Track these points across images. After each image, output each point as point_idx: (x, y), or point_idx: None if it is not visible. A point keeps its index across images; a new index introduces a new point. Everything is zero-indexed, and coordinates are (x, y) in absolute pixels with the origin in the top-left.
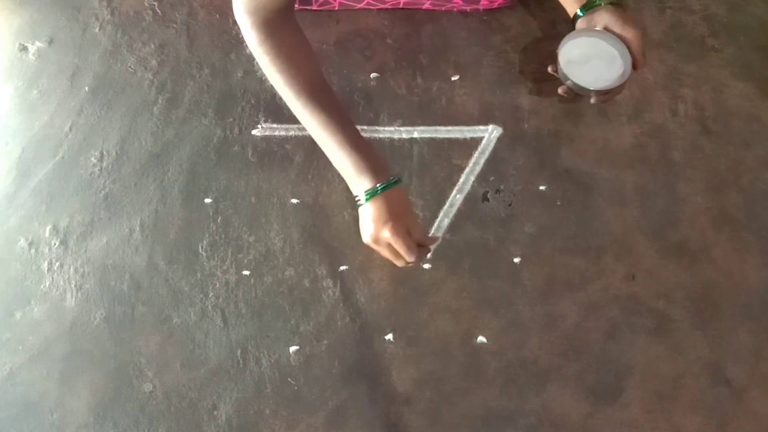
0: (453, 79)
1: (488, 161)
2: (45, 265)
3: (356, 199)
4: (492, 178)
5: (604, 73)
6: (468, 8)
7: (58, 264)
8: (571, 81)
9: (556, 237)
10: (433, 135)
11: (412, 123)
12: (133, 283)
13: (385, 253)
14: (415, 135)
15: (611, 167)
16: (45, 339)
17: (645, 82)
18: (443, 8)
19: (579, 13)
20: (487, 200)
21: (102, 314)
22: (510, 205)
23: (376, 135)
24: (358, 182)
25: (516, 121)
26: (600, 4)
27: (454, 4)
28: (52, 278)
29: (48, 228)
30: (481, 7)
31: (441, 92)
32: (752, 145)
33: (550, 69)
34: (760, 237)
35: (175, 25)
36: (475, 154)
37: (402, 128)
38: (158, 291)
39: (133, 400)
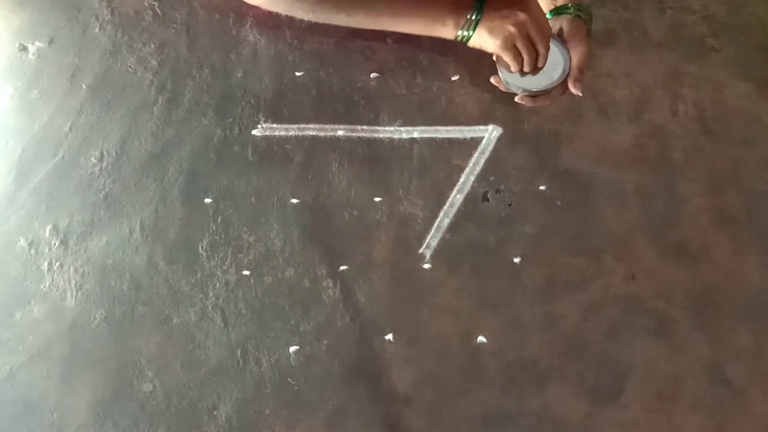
0: (453, 79)
1: (488, 161)
2: (45, 265)
3: (462, 38)
4: (492, 178)
5: (537, 77)
6: None
7: (58, 264)
8: (503, 73)
9: (556, 237)
10: (433, 135)
11: (412, 123)
12: (133, 283)
13: (520, 44)
14: (415, 135)
15: (611, 167)
16: (45, 339)
17: (645, 82)
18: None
19: (548, 15)
20: (487, 200)
21: (102, 314)
22: (510, 205)
23: (376, 135)
24: (456, 18)
25: (516, 121)
26: (570, 13)
27: None
28: (52, 278)
29: (48, 228)
30: None
31: (441, 92)
32: (752, 145)
33: (494, 57)
34: (760, 237)
35: (175, 25)
36: (475, 154)
37: (402, 128)
38: (158, 291)
39: (133, 400)
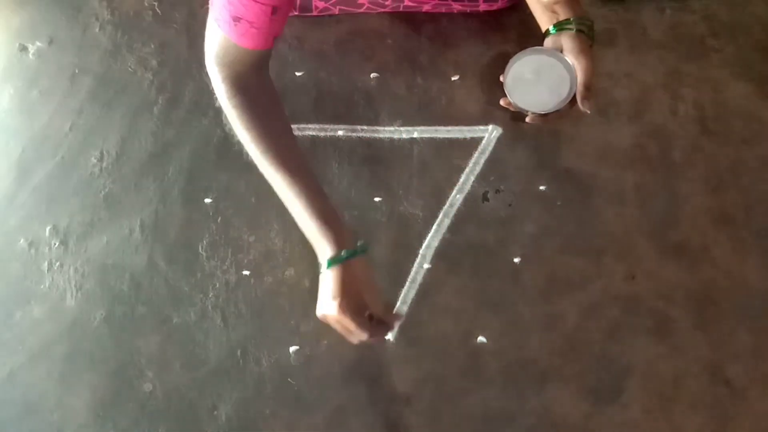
0: (453, 79)
1: (488, 161)
2: (45, 265)
3: (318, 267)
4: (492, 178)
5: (545, 97)
6: (468, 10)
7: (58, 264)
8: (509, 98)
9: (556, 237)
10: (433, 135)
11: (412, 123)
12: (133, 283)
13: (337, 328)
14: (415, 135)
15: (611, 167)
16: (45, 339)
17: (645, 82)
18: (443, 10)
19: (551, 30)
20: (487, 200)
21: (102, 314)
22: (510, 205)
23: (376, 135)
24: (321, 249)
25: (516, 121)
26: (572, 29)
27: (454, 8)
28: (52, 278)
29: (48, 228)
30: (480, 9)
31: (441, 92)
32: (752, 145)
33: (501, 78)
34: (760, 237)
35: (175, 25)
36: (475, 154)
37: (402, 128)
38: (158, 291)
39: (133, 400)
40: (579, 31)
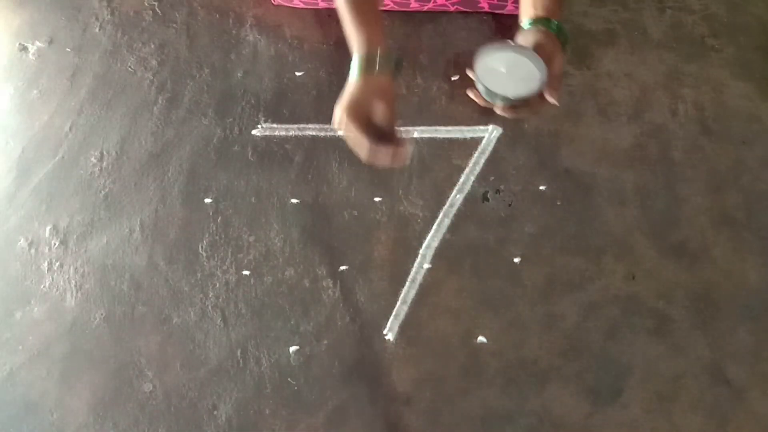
0: (453, 79)
1: (488, 161)
2: (45, 265)
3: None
4: (492, 178)
5: (514, 86)
6: (496, 12)
7: (58, 264)
8: (483, 85)
9: (556, 237)
10: (433, 135)
11: (412, 123)
12: (133, 283)
13: (347, 138)
14: (415, 135)
15: (611, 167)
16: (45, 339)
17: (645, 82)
18: (469, 9)
19: (526, 24)
20: (487, 200)
21: (102, 314)
22: (510, 205)
23: None
24: (355, 55)
25: (516, 121)
26: (550, 28)
27: (482, 5)
28: (52, 278)
29: (48, 228)
30: (506, 12)
31: (441, 92)
32: (752, 145)
33: (468, 71)
34: (760, 237)
35: (175, 25)
36: (475, 154)
37: (402, 128)
38: (158, 291)
39: (133, 400)
40: (554, 32)
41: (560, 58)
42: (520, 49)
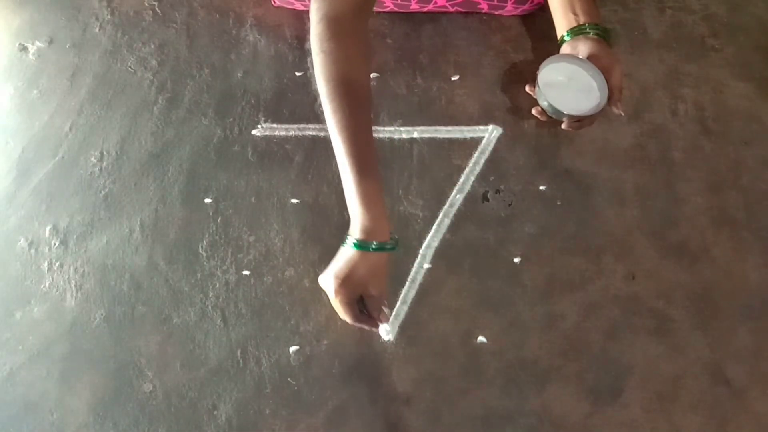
0: (453, 79)
1: (488, 161)
2: (45, 265)
3: (346, 236)
4: (492, 178)
5: (580, 101)
6: (495, 12)
7: (58, 264)
8: (547, 102)
9: (556, 237)
10: (433, 135)
11: (412, 123)
12: (133, 283)
13: (330, 301)
14: (415, 135)
15: (611, 167)
16: (45, 339)
17: (645, 82)
18: (470, 10)
19: (565, 36)
20: (487, 200)
21: (102, 314)
22: (510, 205)
23: (376, 135)
24: (354, 226)
25: (516, 121)
26: (588, 33)
27: (482, 7)
28: (52, 278)
29: (48, 228)
30: (506, 13)
31: (441, 92)
32: (752, 145)
33: (527, 88)
34: (760, 237)
35: (175, 25)
36: (475, 154)
37: (402, 128)
38: (158, 291)
39: (133, 400)
40: (597, 34)
41: (619, 67)
42: (580, 61)
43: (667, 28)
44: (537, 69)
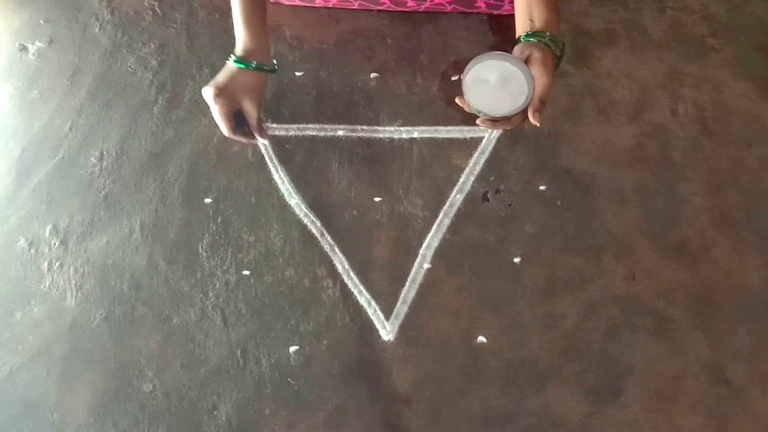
0: (453, 79)
1: (488, 161)
2: (45, 265)
3: (229, 55)
4: (492, 178)
5: (497, 102)
6: (494, 12)
7: (58, 264)
8: (464, 96)
9: (556, 237)
10: (433, 135)
11: (412, 123)
12: (133, 283)
13: (211, 112)
14: (415, 135)
15: (611, 167)
16: (45, 339)
17: (645, 82)
18: (468, 11)
19: (522, 38)
20: (487, 200)
21: (102, 314)
22: (510, 205)
23: (376, 135)
24: (238, 45)
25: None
26: (543, 42)
27: (479, 5)
28: (52, 278)
29: (48, 228)
30: (504, 12)
31: (441, 92)
32: (752, 145)
33: (461, 76)
34: (760, 237)
35: (175, 25)
36: (475, 154)
37: (402, 128)
38: (158, 291)
39: (133, 400)
40: (548, 46)
41: (548, 79)
42: (513, 60)
43: (667, 28)
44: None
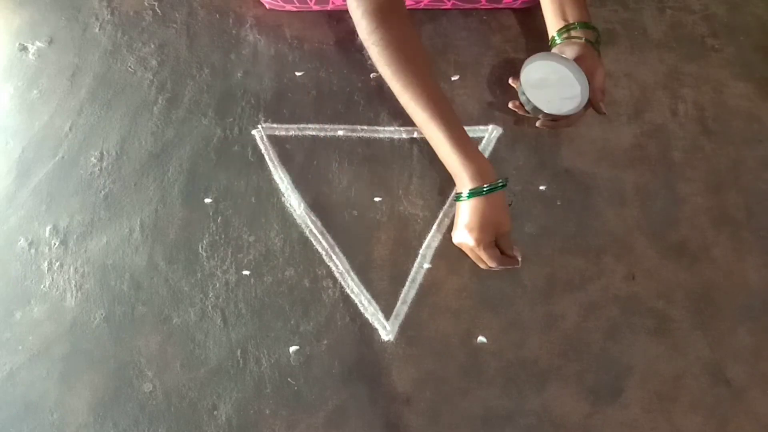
0: (453, 79)
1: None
2: (45, 265)
3: (457, 194)
4: None
5: (560, 101)
6: (497, 6)
7: (58, 264)
8: (527, 99)
9: (556, 237)
10: None
11: (413, 123)
12: (133, 283)
13: (471, 256)
14: (415, 135)
15: (611, 167)
16: (45, 339)
17: (645, 82)
18: (468, 6)
19: (556, 38)
20: None
21: (102, 314)
22: (510, 205)
23: (376, 135)
24: (461, 180)
25: (516, 121)
26: (578, 33)
27: (479, 4)
28: (52, 278)
29: (48, 228)
30: (505, 5)
31: None
32: (752, 145)
33: (511, 80)
34: (760, 237)
35: (175, 25)
36: None
37: (402, 128)
38: (158, 291)
39: (133, 400)
40: (587, 41)
41: (602, 70)
42: (565, 62)
43: (667, 28)
44: (522, 63)
